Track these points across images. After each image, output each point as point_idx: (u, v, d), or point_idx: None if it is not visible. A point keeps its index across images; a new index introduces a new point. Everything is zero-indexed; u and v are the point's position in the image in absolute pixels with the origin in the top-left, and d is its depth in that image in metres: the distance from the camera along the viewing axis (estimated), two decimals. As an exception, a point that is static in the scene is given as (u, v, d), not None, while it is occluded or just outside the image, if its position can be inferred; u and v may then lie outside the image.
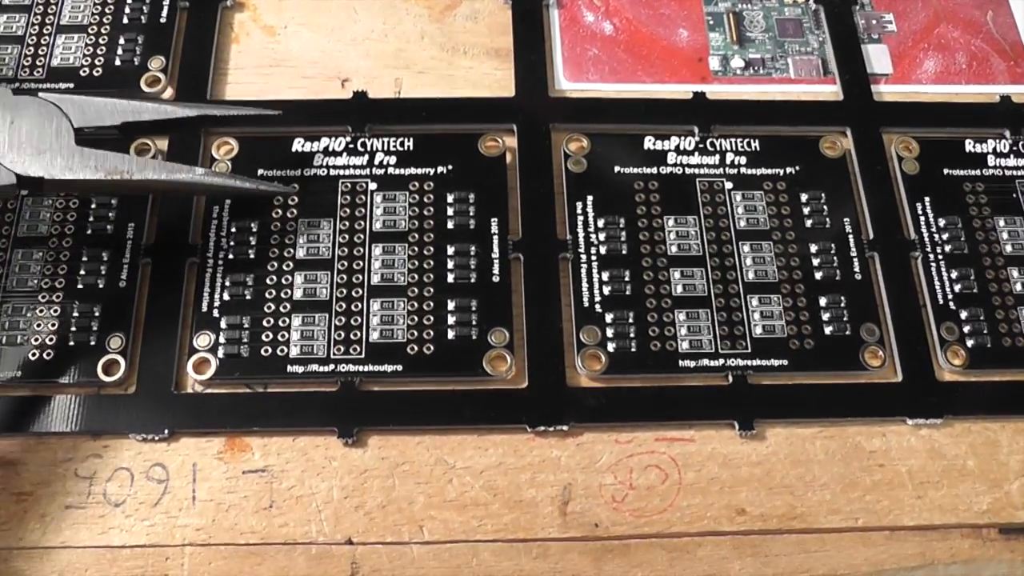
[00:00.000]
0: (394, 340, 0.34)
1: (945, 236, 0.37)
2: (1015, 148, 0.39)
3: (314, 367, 0.34)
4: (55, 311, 0.34)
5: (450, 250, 0.36)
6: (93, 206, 0.36)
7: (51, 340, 0.34)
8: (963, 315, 0.36)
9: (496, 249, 0.36)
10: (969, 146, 0.39)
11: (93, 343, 0.34)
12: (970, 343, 0.35)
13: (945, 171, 0.39)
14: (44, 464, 0.32)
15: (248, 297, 0.35)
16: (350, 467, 0.33)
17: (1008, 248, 0.37)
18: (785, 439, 0.34)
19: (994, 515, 0.33)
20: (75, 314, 0.34)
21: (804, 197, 0.38)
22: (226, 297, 0.35)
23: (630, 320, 0.35)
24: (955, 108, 0.41)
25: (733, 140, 0.39)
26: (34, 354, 0.33)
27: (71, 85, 0.38)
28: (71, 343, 0.34)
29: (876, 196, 0.38)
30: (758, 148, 0.38)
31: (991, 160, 0.39)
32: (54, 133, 0.33)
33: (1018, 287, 0.36)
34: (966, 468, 0.34)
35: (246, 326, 0.34)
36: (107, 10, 0.40)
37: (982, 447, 0.34)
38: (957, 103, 0.41)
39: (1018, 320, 0.36)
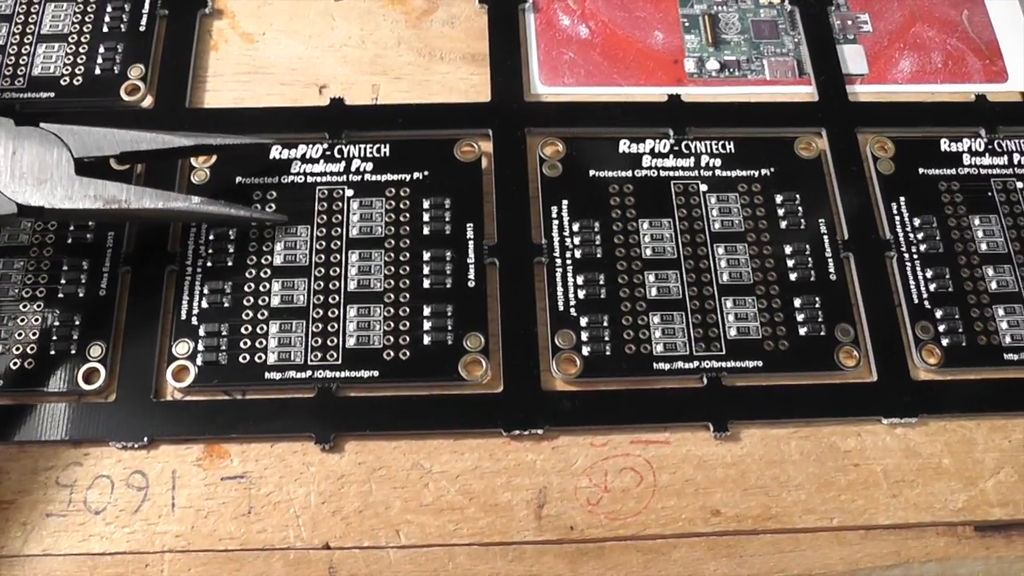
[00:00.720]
0: (371, 346, 0.34)
1: (920, 235, 0.37)
2: (990, 147, 0.39)
3: (291, 374, 0.34)
4: (36, 320, 0.34)
5: (426, 256, 0.36)
6: (73, 216, 0.36)
7: (32, 349, 0.34)
8: (938, 314, 0.36)
9: (472, 254, 0.36)
10: (944, 145, 0.39)
11: (73, 352, 0.34)
12: (945, 342, 0.35)
13: (920, 171, 0.39)
14: (25, 472, 0.33)
15: (226, 305, 0.35)
16: (327, 472, 0.33)
17: (983, 247, 0.37)
18: (760, 440, 0.34)
19: (969, 513, 0.33)
20: (56, 323, 0.34)
21: (779, 199, 0.38)
22: (204, 305, 0.35)
23: (605, 323, 0.35)
24: (930, 107, 0.41)
25: (708, 142, 0.39)
26: (15, 363, 0.34)
27: (52, 95, 0.39)
28: (52, 352, 0.34)
29: (851, 196, 0.38)
30: (733, 150, 0.39)
31: (966, 159, 0.39)
32: (55, 163, 0.33)
33: (993, 285, 0.37)
34: (941, 466, 0.34)
35: (224, 333, 0.34)
36: (87, 19, 0.40)
37: (957, 445, 0.34)
38: (932, 102, 0.41)
39: (993, 318, 0.36)
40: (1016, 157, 0.39)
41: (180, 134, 0.36)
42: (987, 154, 0.39)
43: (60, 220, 0.36)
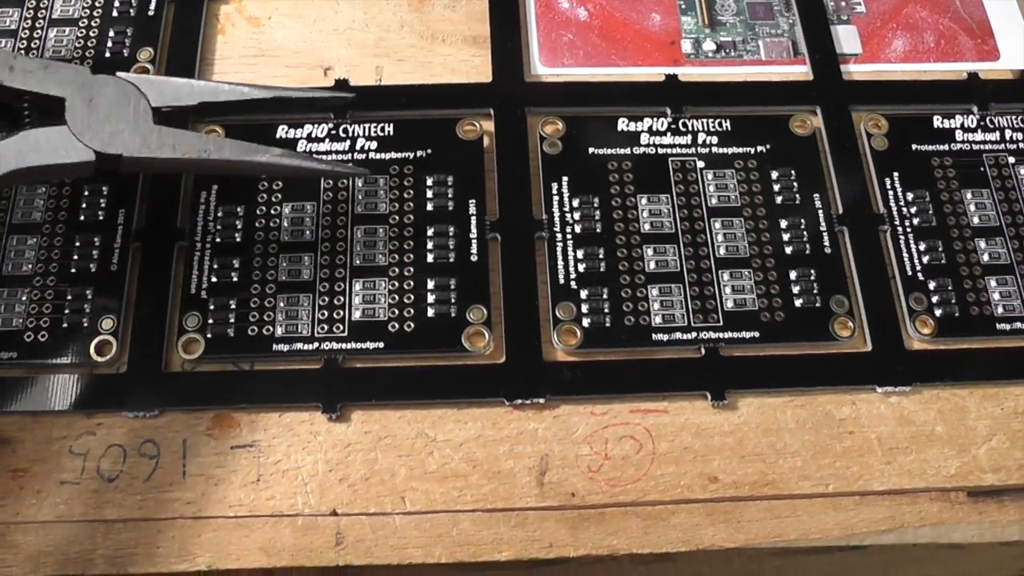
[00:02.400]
0: (376, 319, 0.35)
1: (913, 209, 0.38)
2: (982, 123, 0.40)
3: (299, 345, 0.35)
4: (49, 295, 0.35)
5: (429, 231, 0.37)
6: (85, 193, 0.37)
7: (45, 323, 0.35)
8: (931, 286, 0.37)
9: (474, 230, 0.37)
10: (937, 122, 0.40)
11: (86, 325, 0.35)
12: (938, 312, 0.36)
13: (914, 147, 0.39)
14: (40, 442, 0.34)
15: (235, 279, 0.36)
16: (334, 441, 0.34)
17: (976, 220, 0.38)
18: (757, 408, 0.35)
19: (962, 479, 0.34)
20: (68, 297, 0.35)
21: (774, 175, 0.38)
22: (213, 279, 0.36)
23: (604, 296, 0.36)
24: (923, 86, 0.41)
25: (705, 120, 0.40)
26: (29, 336, 0.35)
27: (63, 78, 0.40)
28: (65, 325, 0.35)
29: (845, 172, 0.39)
30: (729, 128, 0.39)
31: (959, 135, 0.40)
32: (132, 112, 0.33)
33: (985, 257, 0.37)
34: (935, 434, 0.35)
35: (233, 307, 0.35)
36: (97, 3, 0.41)
37: (950, 413, 0.35)
38: (925, 81, 0.42)
39: (986, 289, 0.37)
40: (1008, 133, 0.40)
41: (257, 87, 0.36)
42: (979, 130, 0.40)
43: (136, 171, 0.35)
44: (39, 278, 0.36)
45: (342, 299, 0.35)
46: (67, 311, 0.35)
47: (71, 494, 0.33)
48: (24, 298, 0.35)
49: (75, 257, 0.36)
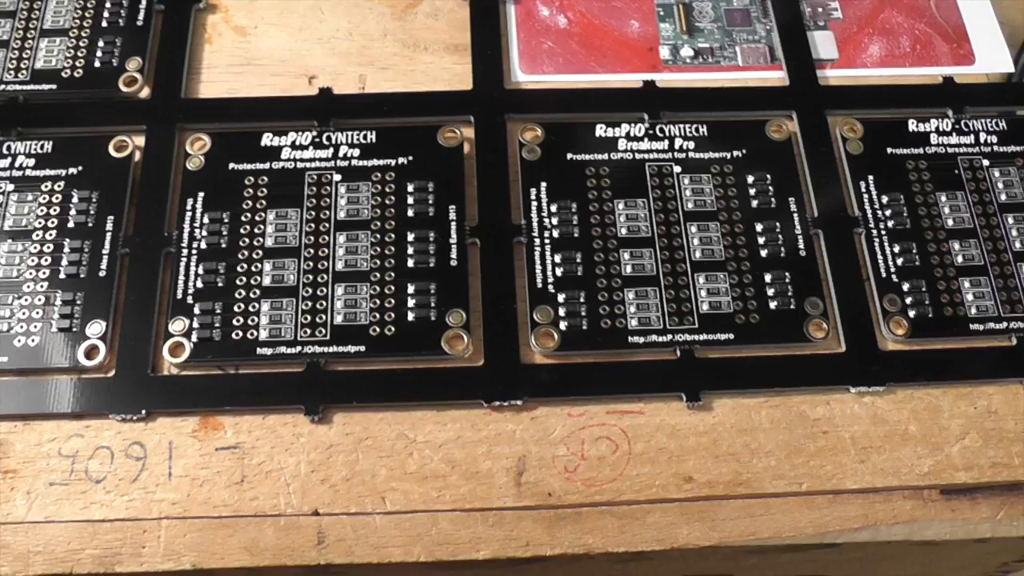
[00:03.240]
0: (357, 323, 0.36)
1: (888, 212, 0.39)
2: (957, 127, 0.41)
3: (282, 349, 0.35)
4: (39, 300, 0.36)
5: (410, 236, 0.37)
6: (75, 199, 0.38)
7: (36, 327, 0.36)
8: (905, 287, 0.37)
9: (454, 235, 0.38)
10: (912, 126, 0.41)
11: (75, 329, 0.36)
12: (912, 313, 0.37)
13: (889, 150, 0.40)
14: (30, 444, 0.34)
15: (220, 284, 0.37)
16: (316, 443, 0.35)
17: (950, 222, 0.39)
18: (731, 409, 0.36)
19: (935, 477, 0.35)
20: (58, 302, 0.36)
21: (750, 179, 0.39)
22: (199, 285, 0.37)
23: (581, 299, 0.36)
24: (899, 90, 0.42)
25: (682, 126, 0.40)
26: (19, 340, 0.35)
27: (54, 87, 0.40)
28: (54, 329, 0.36)
29: (820, 176, 0.39)
30: (706, 133, 0.40)
31: (934, 139, 0.40)
32: None
33: (959, 259, 0.38)
34: (908, 433, 0.35)
35: (218, 311, 0.36)
36: (87, 14, 0.42)
37: (924, 412, 0.36)
38: (901, 85, 0.42)
39: (959, 290, 0.37)
40: (983, 136, 0.40)
41: None
42: (954, 134, 0.40)
43: None
44: (29, 283, 0.36)
45: (324, 303, 0.36)
46: (57, 316, 0.36)
47: (60, 495, 0.34)
48: (14, 303, 0.36)
49: (65, 263, 0.37)
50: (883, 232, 0.38)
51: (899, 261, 0.38)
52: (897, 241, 0.38)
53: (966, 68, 0.43)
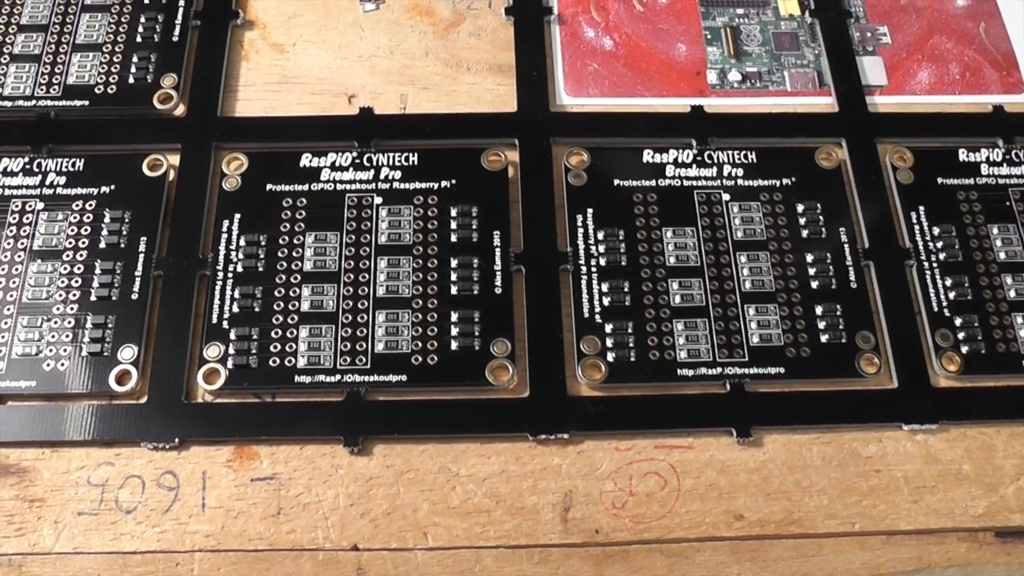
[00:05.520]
0: (399, 351, 0.35)
1: (939, 244, 0.38)
2: (1008, 157, 0.40)
3: (321, 377, 0.34)
4: (69, 323, 0.35)
5: (453, 262, 0.36)
6: (107, 219, 0.37)
7: (65, 351, 0.35)
8: (958, 322, 0.36)
9: (498, 261, 0.37)
10: (963, 155, 0.40)
11: (106, 354, 0.35)
12: (965, 349, 0.36)
13: (939, 180, 0.39)
14: (57, 472, 0.33)
15: (256, 309, 0.36)
16: (356, 475, 0.34)
17: (1002, 255, 0.38)
18: (782, 445, 0.35)
19: (990, 519, 0.34)
20: (88, 325, 0.35)
21: (800, 208, 0.38)
22: (235, 309, 0.36)
23: (629, 330, 0.35)
24: (949, 118, 0.41)
25: (730, 152, 0.39)
26: (49, 364, 0.34)
27: (86, 103, 0.39)
28: (85, 353, 0.35)
29: (871, 206, 0.39)
30: (755, 160, 0.39)
31: (984, 169, 0.40)
32: None
33: (1012, 294, 0.37)
34: (962, 473, 0.34)
35: (255, 337, 0.35)
36: (121, 29, 0.41)
37: (977, 452, 0.35)
38: (950, 113, 0.41)
39: (1012, 326, 0.36)
40: (1034, 168, 0.40)
41: None
42: (1005, 164, 0.40)
43: None
44: (59, 305, 0.35)
45: (365, 331, 0.35)
46: (87, 340, 0.35)
47: (89, 525, 0.33)
48: (43, 326, 0.35)
49: (96, 285, 0.36)
50: (935, 265, 0.37)
51: (951, 295, 0.37)
52: (949, 274, 0.37)
53: (1016, 96, 0.42)
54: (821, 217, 0.38)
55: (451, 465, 0.34)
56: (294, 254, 0.36)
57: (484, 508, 0.33)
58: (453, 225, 0.37)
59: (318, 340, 0.35)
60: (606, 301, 0.36)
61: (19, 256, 0.36)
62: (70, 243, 0.36)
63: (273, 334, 0.35)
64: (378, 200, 0.38)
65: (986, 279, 0.37)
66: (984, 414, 0.35)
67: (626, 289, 0.36)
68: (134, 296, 0.36)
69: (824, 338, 0.36)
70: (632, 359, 0.35)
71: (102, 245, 0.36)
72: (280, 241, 0.37)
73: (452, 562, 0.32)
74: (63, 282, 0.36)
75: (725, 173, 0.39)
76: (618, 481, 0.34)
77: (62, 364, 0.34)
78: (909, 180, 0.39)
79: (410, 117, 0.40)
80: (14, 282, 0.36)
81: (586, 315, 0.36)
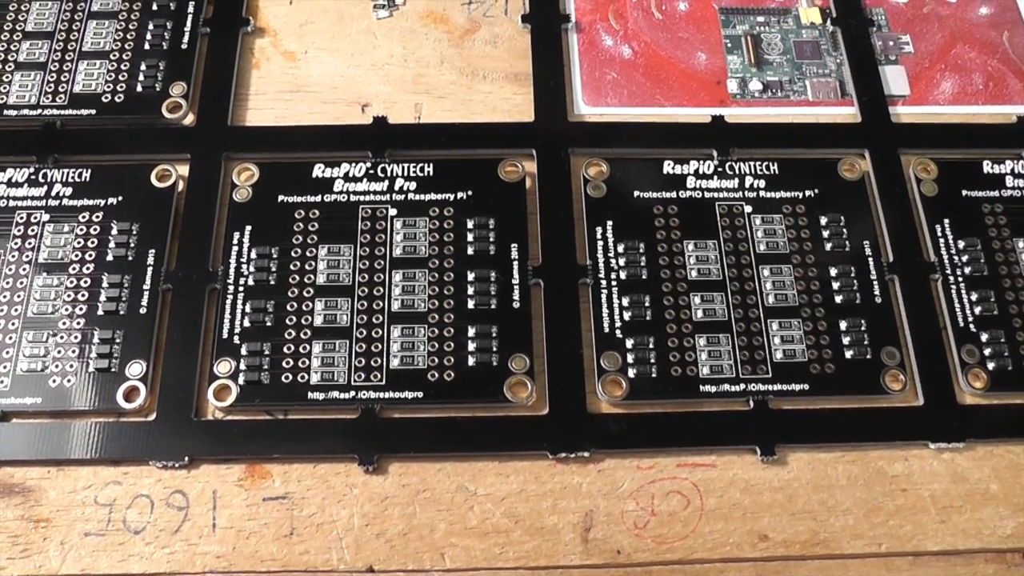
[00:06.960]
0: (414, 367, 0.34)
1: (964, 258, 0.37)
2: (1033, 169, 0.39)
3: (334, 394, 0.34)
4: (76, 338, 0.34)
5: (470, 276, 0.36)
6: (114, 231, 0.36)
7: (72, 367, 0.34)
8: (984, 337, 0.36)
9: (516, 275, 0.36)
10: (987, 167, 0.39)
11: (114, 370, 0.34)
12: (991, 365, 0.35)
13: (964, 192, 0.38)
14: (64, 491, 0.33)
15: (268, 324, 0.35)
16: (371, 494, 0.33)
17: (1029, 270, 0.37)
18: (807, 464, 0.34)
19: (1018, 539, 0.33)
20: (96, 341, 0.34)
21: (823, 220, 0.37)
22: (246, 323, 0.35)
23: (650, 345, 0.35)
24: (972, 129, 0.41)
25: (752, 163, 0.39)
26: (55, 380, 0.34)
27: (93, 111, 0.39)
28: (91, 369, 0.34)
29: (895, 218, 0.38)
30: (777, 171, 0.38)
31: (1009, 181, 0.39)
32: None
33: (1039, 309, 0.36)
34: (989, 492, 0.34)
35: (266, 352, 0.34)
36: (128, 36, 0.40)
37: (1005, 471, 0.34)
38: (974, 124, 0.41)
39: (1039, 342, 0.36)
40: (1059, 180, 0.39)
41: None
42: (1030, 176, 0.39)
43: None
44: (65, 320, 0.34)
45: (380, 346, 0.34)
46: (94, 355, 0.34)
47: (96, 546, 0.32)
48: (49, 341, 0.34)
49: (103, 299, 0.35)
50: (960, 279, 0.37)
51: (977, 310, 0.36)
52: (975, 289, 0.37)
53: (1040, 107, 0.41)
54: (844, 230, 0.37)
55: (469, 484, 0.33)
56: (307, 267, 0.36)
57: (503, 528, 0.32)
58: (470, 237, 0.36)
59: (332, 356, 0.34)
60: (627, 316, 0.35)
61: (24, 269, 0.35)
62: (76, 256, 0.36)
63: (285, 349, 0.34)
64: (393, 212, 0.37)
65: (1012, 293, 0.37)
66: (1012, 432, 0.35)
67: (647, 303, 0.35)
68: (142, 310, 0.35)
69: (849, 354, 0.35)
70: (653, 375, 0.34)
71: (109, 258, 0.36)
72: (292, 254, 0.36)
73: (470, 584, 0.32)
74: (69, 296, 0.35)
75: (747, 185, 0.38)
76: (640, 500, 0.33)
77: (68, 380, 0.34)
78: (933, 192, 0.38)
79: (425, 127, 0.40)
80: (19, 296, 0.35)
81: (606, 330, 0.35)
